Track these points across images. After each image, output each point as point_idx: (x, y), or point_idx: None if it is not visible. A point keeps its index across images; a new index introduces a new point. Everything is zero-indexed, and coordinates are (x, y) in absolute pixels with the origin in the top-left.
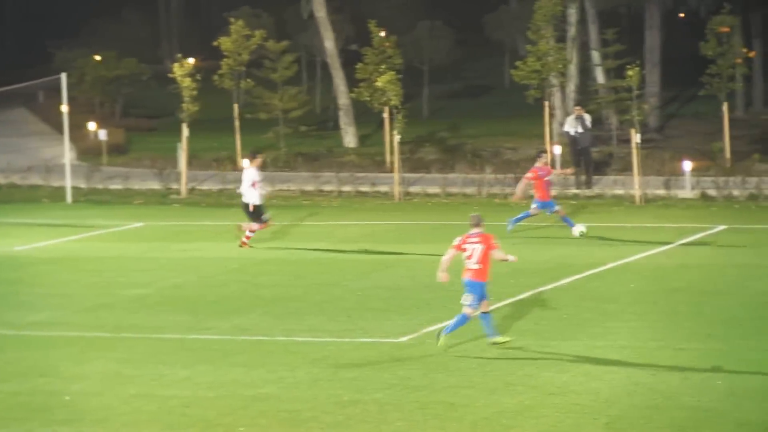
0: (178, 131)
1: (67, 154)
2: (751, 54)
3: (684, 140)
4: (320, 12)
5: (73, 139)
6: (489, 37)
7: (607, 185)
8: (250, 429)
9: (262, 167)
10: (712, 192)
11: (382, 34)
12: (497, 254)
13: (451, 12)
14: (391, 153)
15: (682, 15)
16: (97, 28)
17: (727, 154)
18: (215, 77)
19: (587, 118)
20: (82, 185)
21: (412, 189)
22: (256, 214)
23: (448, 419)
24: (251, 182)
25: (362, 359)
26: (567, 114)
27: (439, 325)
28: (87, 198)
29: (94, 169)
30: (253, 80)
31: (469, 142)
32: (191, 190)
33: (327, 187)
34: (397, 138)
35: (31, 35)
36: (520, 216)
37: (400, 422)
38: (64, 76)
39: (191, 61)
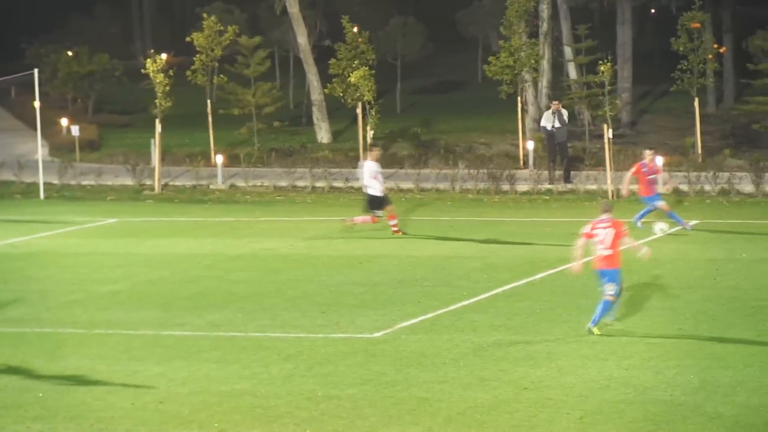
0: (152, 127)
1: (40, 150)
2: (722, 50)
3: (656, 136)
4: (293, 8)
5: (45, 135)
6: (462, 33)
7: (580, 180)
8: (225, 425)
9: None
10: (683, 187)
11: (355, 29)
12: (628, 242)
13: (424, 8)
14: (365, 148)
15: (653, 11)
16: (70, 25)
17: (699, 150)
18: (188, 73)
19: (565, 113)
20: (55, 181)
21: (386, 184)
22: (374, 205)
23: (422, 414)
24: (373, 174)
25: (336, 355)
26: (540, 109)
27: (410, 322)
28: (60, 194)
29: (67, 166)
30: (226, 76)
31: (442, 137)
32: (164, 186)
33: (300, 183)
34: (370, 134)
35: (2, 32)
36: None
37: (375, 417)
38: (36, 72)
39: (164, 56)
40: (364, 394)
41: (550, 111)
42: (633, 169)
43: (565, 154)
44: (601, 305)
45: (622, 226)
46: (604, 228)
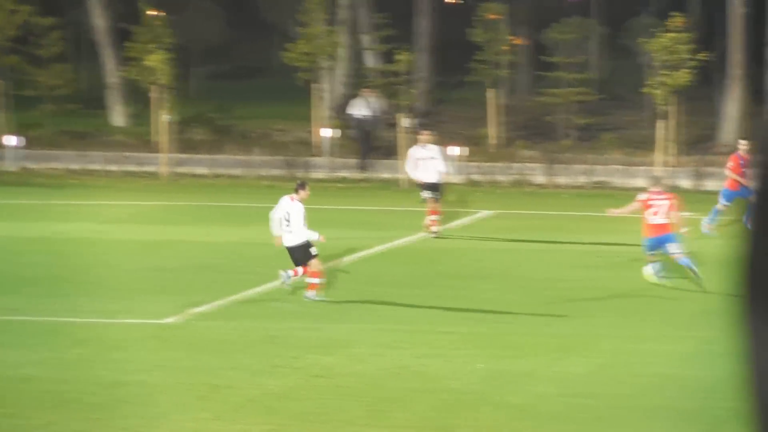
0: None
1: None
2: (518, 41)
3: (452, 125)
4: None
5: None
6: (261, 19)
7: (375, 169)
8: (12, 410)
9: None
10: (477, 177)
11: (153, 12)
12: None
13: None
14: (160, 133)
15: (451, 1)
16: None
17: (493, 140)
18: None
19: (375, 101)
20: None
21: (180, 169)
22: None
23: (212, 401)
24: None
25: (128, 340)
26: (337, 97)
27: (203, 308)
28: None
29: None
30: (20, 56)
31: (238, 123)
32: None
33: (93, 167)
34: (166, 118)
35: None
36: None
37: (165, 403)
38: None
39: None
40: (154, 380)
41: (360, 98)
42: (731, 164)
43: (370, 143)
44: (685, 264)
45: (678, 200)
46: (661, 199)
